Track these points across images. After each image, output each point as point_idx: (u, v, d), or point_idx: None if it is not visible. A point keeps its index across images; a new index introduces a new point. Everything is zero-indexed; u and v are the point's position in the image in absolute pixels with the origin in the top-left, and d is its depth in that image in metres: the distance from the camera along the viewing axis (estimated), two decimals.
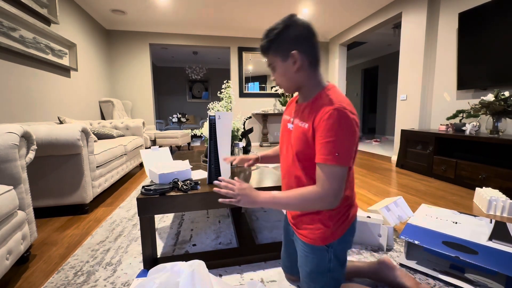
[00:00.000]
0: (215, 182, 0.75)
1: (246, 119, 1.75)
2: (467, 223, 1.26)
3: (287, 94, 4.93)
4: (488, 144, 2.33)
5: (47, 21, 2.64)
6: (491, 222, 1.26)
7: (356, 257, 1.22)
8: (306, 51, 0.74)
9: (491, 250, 1.02)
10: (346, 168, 0.69)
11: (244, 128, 1.63)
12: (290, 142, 0.83)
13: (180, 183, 1.05)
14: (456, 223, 1.26)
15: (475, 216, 1.35)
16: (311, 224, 0.80)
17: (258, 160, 1.13)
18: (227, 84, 1.58)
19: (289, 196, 0.74)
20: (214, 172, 1.12)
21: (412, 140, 2.99)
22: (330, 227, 0.78)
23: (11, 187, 1.06)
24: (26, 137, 1.20)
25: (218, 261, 1.15)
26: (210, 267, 1.10)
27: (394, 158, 3.49)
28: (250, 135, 5.16)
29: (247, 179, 1.23)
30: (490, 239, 1.10)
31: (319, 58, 0.78)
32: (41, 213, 1.76)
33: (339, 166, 0.67)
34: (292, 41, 0.73)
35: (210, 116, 1.05)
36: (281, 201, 0.75)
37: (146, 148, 3.55)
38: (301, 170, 0.80)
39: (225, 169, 1.13)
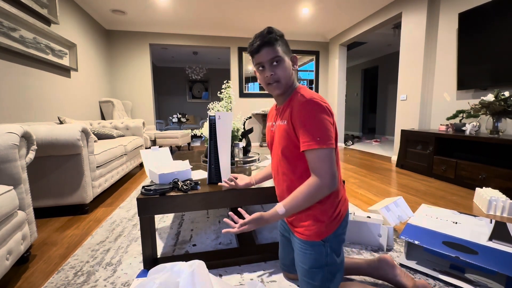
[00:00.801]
0: (226, 228, 0.82)
1: (246, 119, 1.75)
2: (467, 223, 1.26)
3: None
4: (488, 144, 2.33)
5: (47, 21, 2.64)
6: (491, 222, 1.26)
7: (356, 257, 1.22)
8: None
9: (491, 250, 1.02)
10: (331, 149, 0.74)
11: (244, 128, 1.63)
12: (275, 142, 0.91)
13: (180, 183, 1.05)
14: (456, 223, 1.26)
15: (475, 216, 1.35)
16: (306, 221, 0.83)
17: (252, 185, 1.10)
18: (227, 84, 1.58)
19: (293, 201, 0.78)
20: (214, 172, 1.12)
21: (412, 140, 2.99)
22: (325, 221, 0.81)
23: (11, 187, 1.06)
24: (26, 137, 1.20)
25: (218, 261, 1.15)
26: (210, 267, 1.10)
27: (394, 158, 3.49)
28: (250, 135, 5.16)
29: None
30: (490, 239, 1.10)
31: None
32: (41, 213, 1.76)
33: (323, 148, 0.73)
34: (287, 45, 0.87)
35: (210, 116, 1.05)
36: (289, 210, 0.79)
37: (146, 148, 3.55)
38: (288, 167, 0.85)
39: (225, 170, 1.13)
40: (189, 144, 5.01)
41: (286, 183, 0.88)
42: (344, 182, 0.90)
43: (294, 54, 0.88)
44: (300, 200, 0.77)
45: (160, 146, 4.07)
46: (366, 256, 1.24)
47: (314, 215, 0.81)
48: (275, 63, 0.82)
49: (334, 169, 0.74)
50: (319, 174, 0.74)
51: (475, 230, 1.19)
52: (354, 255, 1.24)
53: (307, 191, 0.75)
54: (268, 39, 0.81)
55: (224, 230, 0.79)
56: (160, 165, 1.19)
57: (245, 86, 5.07)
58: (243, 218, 0.82)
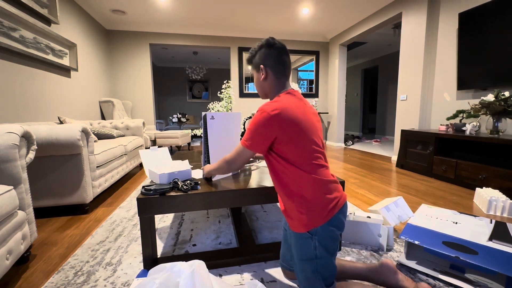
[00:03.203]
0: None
1: (246, 119, 1.75)
2: (467, 223, 1.26)
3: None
4: (488, 144, 2.33)
5: (47, 21, 2.65)
6: (491, 222, 1.26)
7: (356, 257, 1.22)
8: (272, 66, 0.96)
9: (491, 250, 1.02)
10: (249, 151, 0.91)
11: (244, 128, 1.63)
12: None
13: (180, 183, 1.05)
14: (456, 223, 1.26)
15: (475, 216, 1.35)
16: (292, 212, 0.86)
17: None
18: (227, 84, 1.58)
19: (216, 163, 1.06)
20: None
21: (412, 140, 2.99)
22: (304, 213, 0.83)
23: (11, 187, 1.06)
24: (26, 137, 1.21)
25: (218, 261, 1.15)
26: (210, 267, 1.10)
27: (394, 158, 3.49)
28: None
29: (247, 179, 1.24)
30: (490, 239, 1.10)
31: (283, 72, 0.98)
32: (41, 213, 1.76)
33: (244, 147, 0.91)
34: (263, 57, 0.97)
35: (202, 114, 1.09)
36: (212, 168, 1.08)
37: (146, 148, 3.55)
38: (268, 164, 0.94)
39: None
40: (189, 144, 5.01)
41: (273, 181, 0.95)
42: (344, 182, 0.92)
43: (261, 65, 0.96)
44: (216, 164, 1.05)
45: (159, 146, 4.07)
46: (366, 255, 1.24)
47: (296, 207, 0.84)
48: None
49: (237, 162, 0.96)
50: (230, 156, 0.97)
51: (475, 230, 1.19)
52: (354, 255, 1.24)
53: (222, 159, 1.01)
54: (246, 60, 1.06)
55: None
56: (160, 165, 1.20)
57: (245, 86, 5.07)
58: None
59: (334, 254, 0.87)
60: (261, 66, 0.96)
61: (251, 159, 1.57)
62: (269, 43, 0.96)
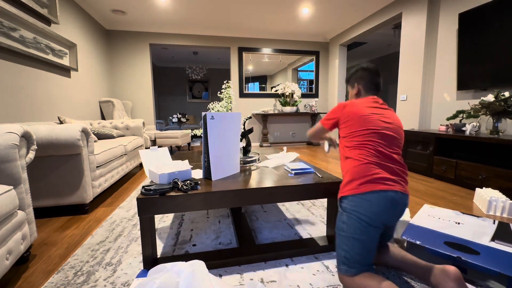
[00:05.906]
0: None
1: (246, 119, 1.75)
2: (470, 223, 1.26)
3: (286, 94, 4.94)
4: (488, 145, 2.33)
5: (47, 21, 2.64)
6: (494, 223, 1.26)
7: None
8: (363, 85, 1.27)
9: (493, 251, 1.02)
10: (321, 126, 1.24)
11: (244, 128, 1.63)
12: None
13: (180, 183, 1.05)
14: (458, 223, 1.26)
15: (478, 217, 1.35)
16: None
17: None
18: (227, 84, 1.57)
19: None
20: (206, 168, 1.20)
21: (412, 140, 2.98)
22: (343, 181, 1.01)
23: (11, 187, 1.06)
24: (26, 137, 1.20)
25: (218, 261, 1.15)
26: (210, 267, 1.10)
27: None
28: (250, 135, 5.16)
29: (247, 179, 1.23)
30: (492, 239, 1.10)
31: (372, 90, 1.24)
32: (41, 213, 1.75)
33: (319, 122, 1.25)
34: (359, 77, 1.29)
35: (202, 114, 1.09)
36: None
37: (146, 148, 3.54)
38: None
39: (233, 165, 1.18)
40: (189, 144, 5.00)
41: None
42: (376, 164, 0.96)
43: (356, 84, 1.23)
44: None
45: (159, 146, 4.07)
46: None
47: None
48: None
49: (312, 132, 1.31)
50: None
51: (477, 230, 1.19)
52: None
53: None
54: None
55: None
56: (161, 165, 1.20)
57: (245, 86, 5.07)
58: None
59: (357, 240, 0.91)
60: (356, 84, 1.21)
61: (257, 156, 1.63)
62: (363, 68, 1.21)
